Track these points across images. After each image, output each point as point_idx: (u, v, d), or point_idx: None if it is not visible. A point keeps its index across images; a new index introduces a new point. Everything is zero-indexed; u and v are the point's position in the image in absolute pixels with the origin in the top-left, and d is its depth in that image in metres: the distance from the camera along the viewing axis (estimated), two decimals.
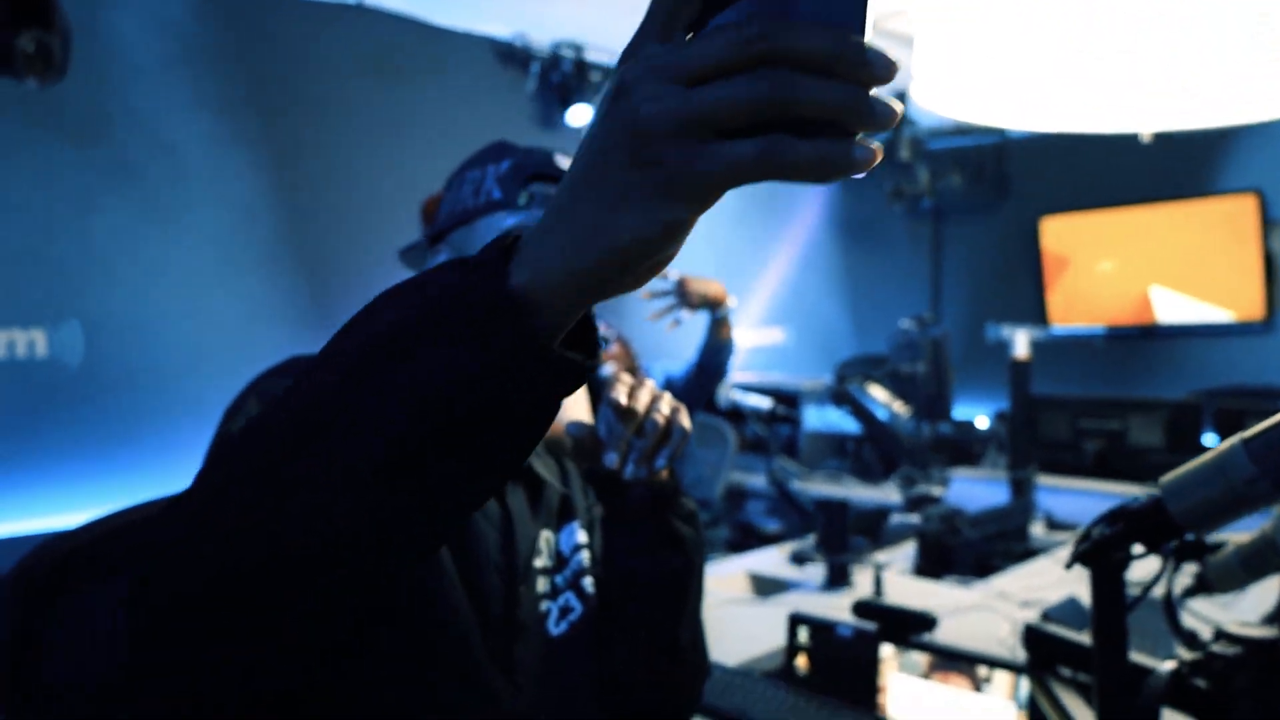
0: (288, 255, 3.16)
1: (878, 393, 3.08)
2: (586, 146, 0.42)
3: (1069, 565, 0.87)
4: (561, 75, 3.80)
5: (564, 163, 0.94)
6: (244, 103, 3.07)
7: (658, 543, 0.89)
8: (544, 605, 0.89)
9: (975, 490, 2.81)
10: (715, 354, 2.40)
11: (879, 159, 0.38)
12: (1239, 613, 1.68)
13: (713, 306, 2.35)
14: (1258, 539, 1.26)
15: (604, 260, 0.41)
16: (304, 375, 0.47)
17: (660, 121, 0.38)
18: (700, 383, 2.43)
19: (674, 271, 2.36)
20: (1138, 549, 0.86)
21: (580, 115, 3.85)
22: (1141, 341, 4.48)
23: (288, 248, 3.16)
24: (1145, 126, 2.66)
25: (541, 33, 3.77)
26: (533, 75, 3.80)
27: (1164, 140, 3.99)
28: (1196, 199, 4.22)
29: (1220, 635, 1.03)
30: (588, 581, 0.93)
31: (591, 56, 3.88)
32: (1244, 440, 0.76)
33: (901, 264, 5.39)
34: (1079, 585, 1.36)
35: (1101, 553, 0.85)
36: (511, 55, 3.78)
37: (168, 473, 2.87)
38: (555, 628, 0.89)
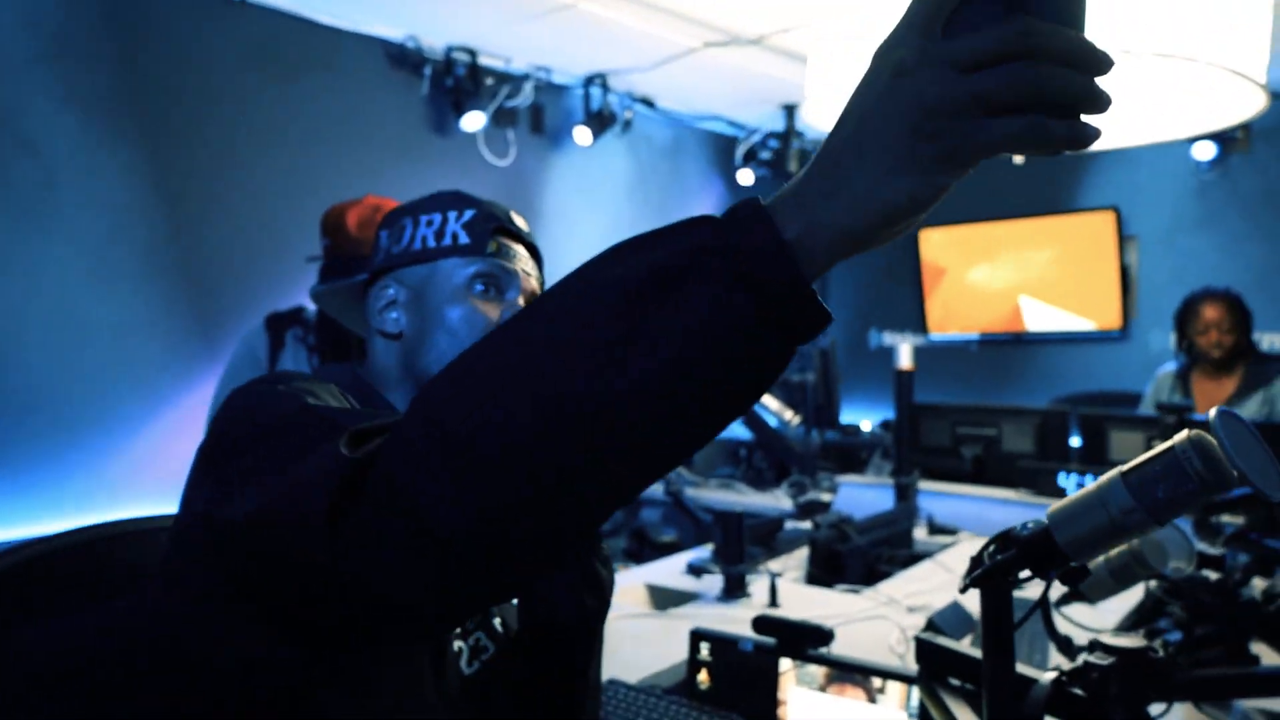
0: (167, 262, 3.02)
1: (768, 401, 3.15)
2: (861, 121, 0.49)
3: (963, 589, 0.92)
4: (455, 80, 3.74)
5: (521, 222, 1.02)
6: (119, 101, 2.92)
7: (579, 585, 0.90)
8: (455, 644, 0.88)
9: (862, 496, 2.91)
10: None
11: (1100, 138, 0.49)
12: (1101, 615, 1.79)
13: None
14: (1125, 552, 1.35)
15: (878, 219, 0.49)
16: (563, 300, 0.52)
17: (946, 101, 0.47)
18: None
19: None
20: (1025, 572, 0.91)
21: (474, 122, 3.80)
22: (1012, 348, 4.72)
23: (166, 254, 3.02)
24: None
25: (434, 36, 3.71)
26: (425, 79, 3.74)
27: (1033, 160, 4.22)
28: (1061, 215, 4.48)
29: (1095, 646, 1.10)
30: (498, 621, 0.94)
31: (485, 62, 3.85)
32: (1122, 474, 0.81)
33: None
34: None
35: (993, 578, 0.90)
36: (403, 58, 3.71)
37: (38, 489, 2.71)
38: (468, 667, 0.88)
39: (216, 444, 0.70)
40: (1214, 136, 3.98)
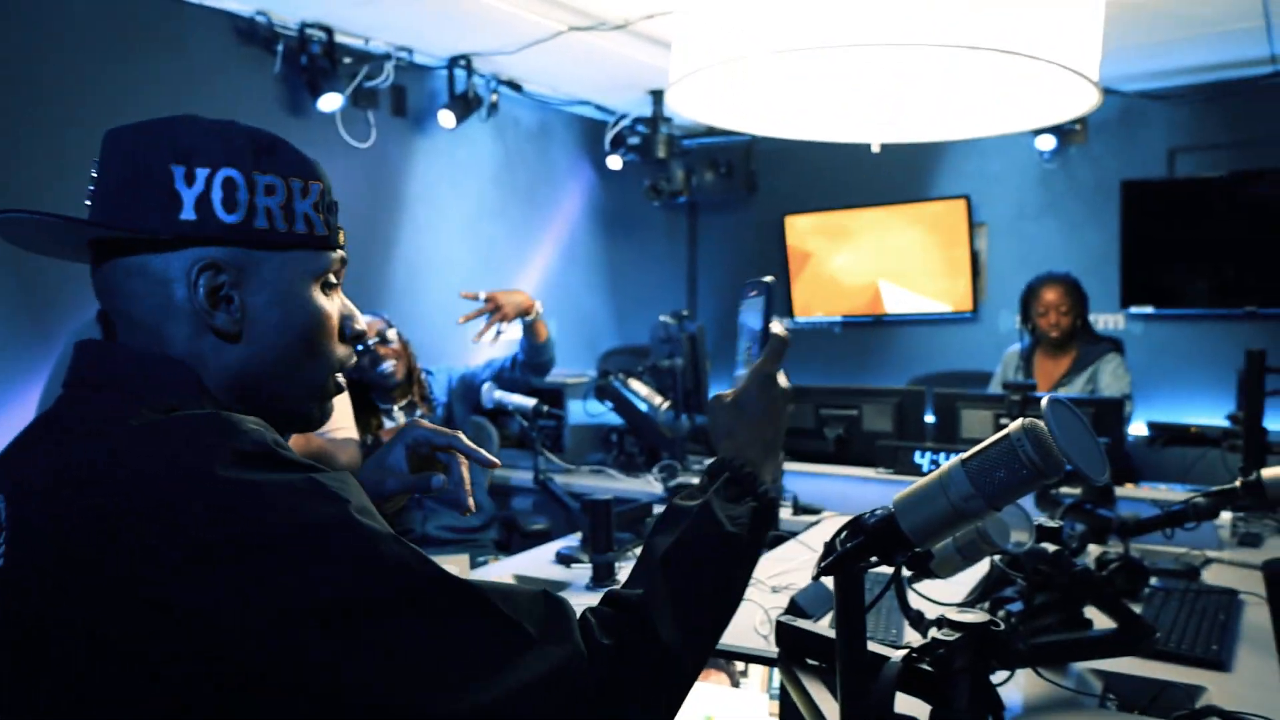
0: None
1: (638, 387, 3.16)
2: (768, 418, 0.98)
3: (815, 576, 0.93)
4: (310, 58, 3.58)
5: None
6: None
7: None
8: None
9: None
10: (538, 353, 2.90)
11: None
12: (953, 587, 1.86)
13: (524, 314, 2.82)
14: (970, 531, 1.41)
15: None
16: (702, 564, 0.90)
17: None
18: (526, 375, 2.93)
19: (483, 291, 2.80)
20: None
21: (331, 102, 3.65)
22: (873, 330, 4.89)
23: None
24: (874, 138, 2.89)
25: (286, 11, 3.53)
26: (278, 56, 3.56)
27: (891, 150, 4.37)
28: (917, 203, 4.65)
29: (943, 622, 1.14)
30: None
31: (342, 40, 3.70)
32: (962, 461, 0.84)
33: (661, 257, 5.56)
34: None
35: (844, 565, 0.92)
36: (253, 34, 3.52)
37: None
38: None
39: (351, 608, 0.68)
40: (1054, 129, 4.21)
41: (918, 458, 2.77)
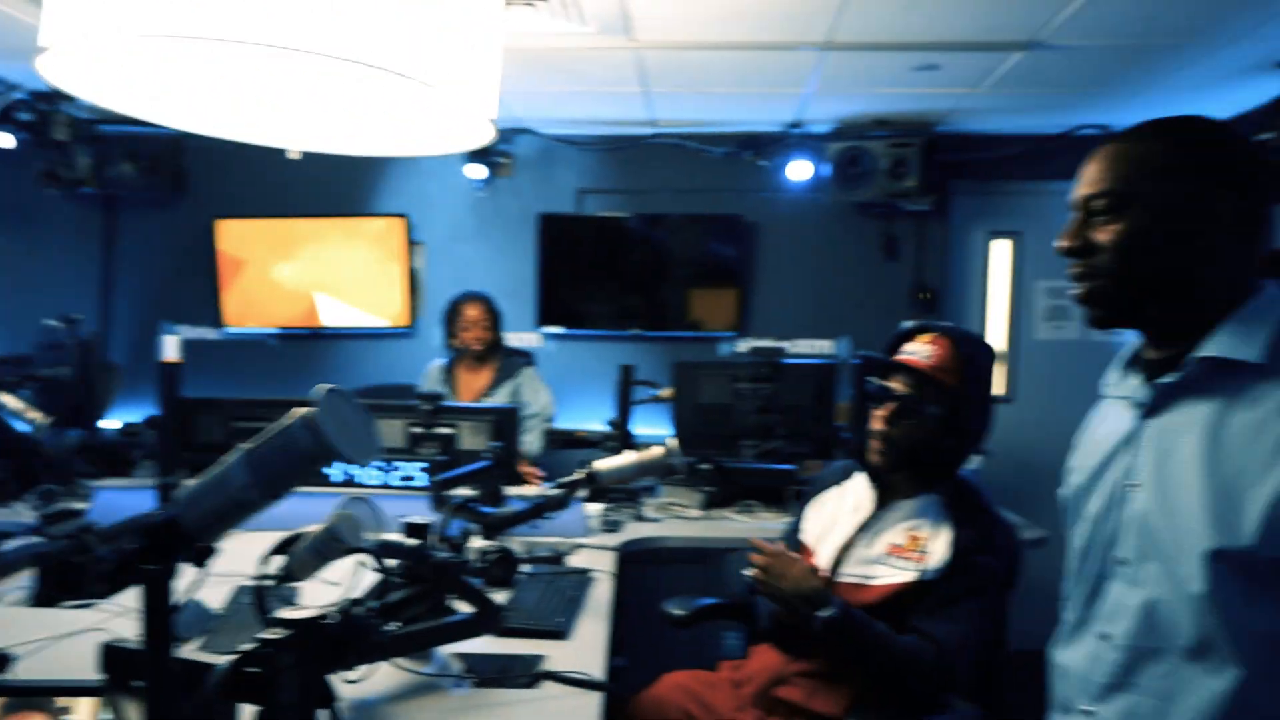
0: None
1: (7, 400, 2.71)
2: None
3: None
4: None
5: None
6: None
7: None
8: None
9: (124, 500, 2.67)
10: None
11: None
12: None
13: None
14: (323, 530, 1.43)
15: None
16: None
17: None
18: None
19: None
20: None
21: None
22: (311, 343, 4.79)
23: None
24: (293, 145, 2.82)
25: None
26: None
27: (332, 163, 4.32)
28: (359, 217, 4.68)
29: (271, 621, 1.14)
30: None
31: None
32: (245, 452, 0.84)
33: (67, 256, 4.85)
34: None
35: (130, 571, 0.87)
36: None
37: None
38: None
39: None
40: (485, 161, 4.54)
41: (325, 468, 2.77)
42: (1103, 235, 1.10)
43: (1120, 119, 4.15)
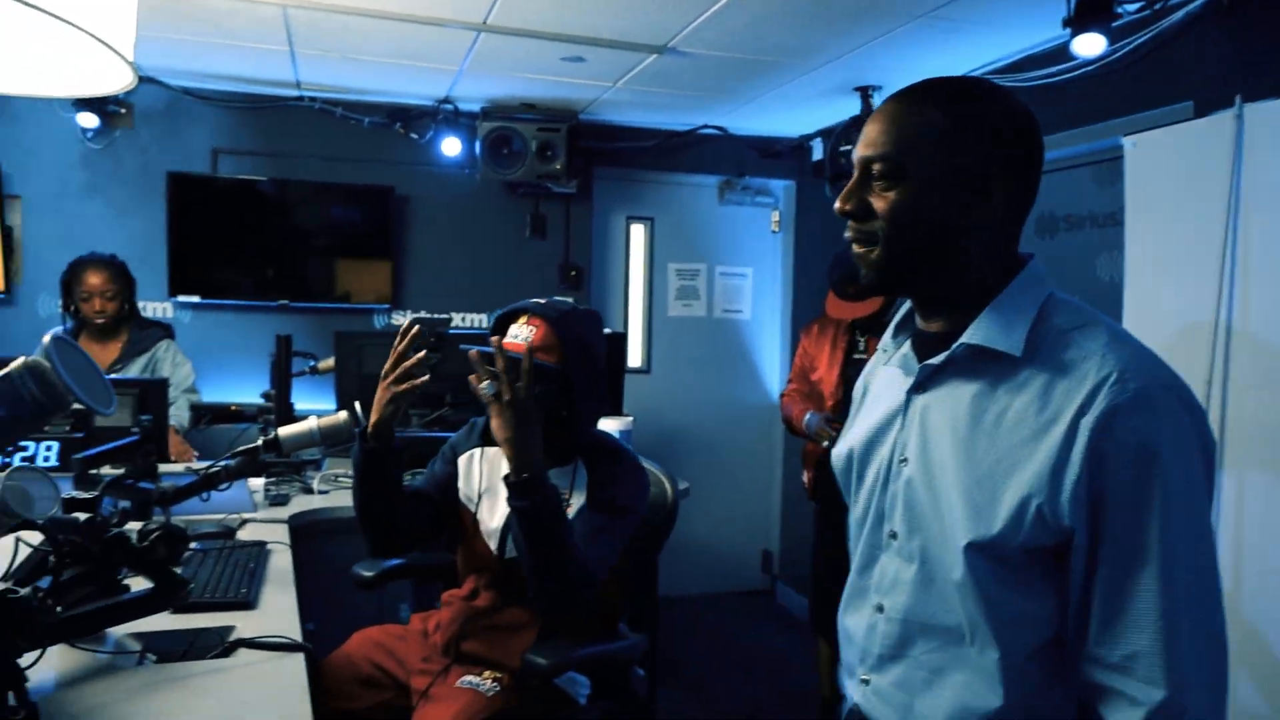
0: None
1: None
2: None
3: None
4: None
5: None
6: None
7: None
8: None
9: None
10: None
11: None
12: None
13: None
14: None
15: None
16: None
17: None
18: None
19: None
20: None
21: None
22: None
23: None
24: None
25: None
26: None
27: None
28: None
29: None
30: None
31: None
32: None
33: None
34: None
35: None
36: None
37: None
38: None
39: None
40: (97, 110, 4.04)
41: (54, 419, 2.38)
42: (879, 202, 1.06)
43: (734, 123, 4.71)
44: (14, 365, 0.77)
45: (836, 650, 1.36)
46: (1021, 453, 0.99)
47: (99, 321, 3.41)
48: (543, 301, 1.97)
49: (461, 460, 2.11)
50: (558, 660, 1.77)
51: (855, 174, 1.09)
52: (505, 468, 1.77)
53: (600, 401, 2.02)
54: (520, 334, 1.91)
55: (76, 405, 0.78)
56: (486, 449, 2.07)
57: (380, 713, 1.92)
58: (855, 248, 1.10)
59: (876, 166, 1.06)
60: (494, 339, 1.78)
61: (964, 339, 1.06)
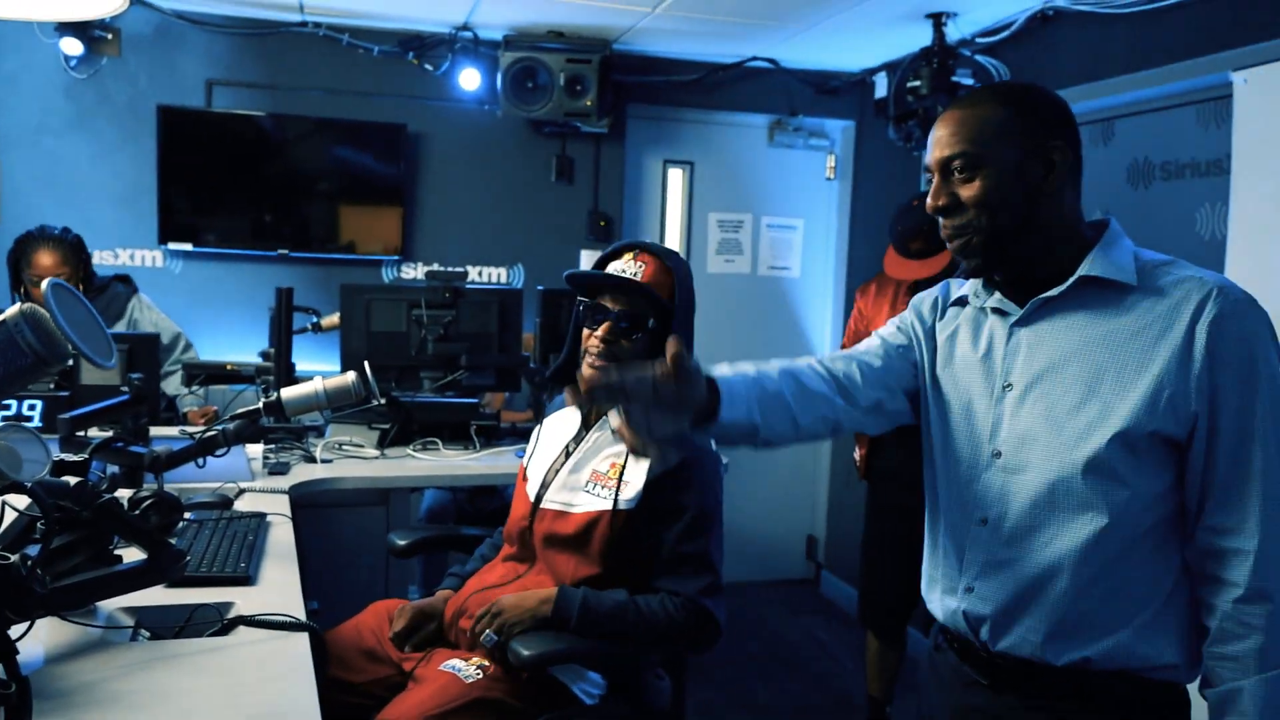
0: None
1: None
2: None
3: None
4: None
5: None
6: None
7: None
8: None
9: None
10: None
11: None
12: None
13: None
14: None
15: None
16: None
17: None
18: None
19: None
20: None
21: None
22: None
23: None
24: None
25: None
26: None
27: None
28: None
29: None
30: None
31: None
32: None
33: None
34: None
35: None
36: None
37: None
38: None
39: None
40: (80, 35, 4.07)
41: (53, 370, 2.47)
42: (965, 192, 1.36)
43: (787, 54, 4.66)
44: (9, 312, 0.79)
45: (886, 645, 1.53)
46: (1148, 355, 1.31)
47: None
48: (647, 239, 2.06)
49: (539, 429, 2.27)
50: (543, 651, 1.81)
51: (936, 176, 1.40)
52: (564, 428, 2.11)
53: (691, 348, 2.07)
54: (628, 269, 1.99)
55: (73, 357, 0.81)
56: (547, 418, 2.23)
57: (378, 687, 1.98)
58: (952, 244, 1.40)
59: (957, 163, 1.37)
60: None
61: (1081, 271, 1.36)
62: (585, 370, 1.99)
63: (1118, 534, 1.32)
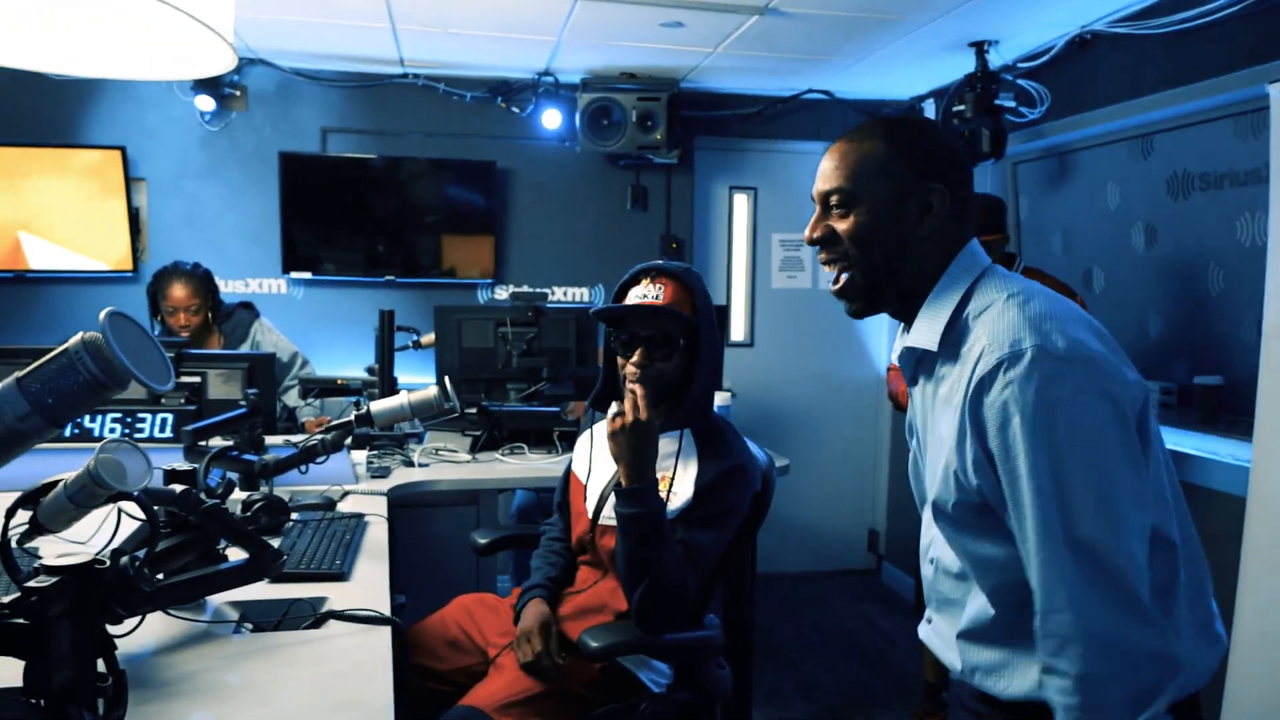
0: None
1: None
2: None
3: None
4: None
5: None
6: None
7: None
8: None
9: None
10: None
11: None
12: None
13: None
14: (83, 475, 1.31)
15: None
16: None
17: None
18: None
19: None
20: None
21: None
22: (16, 288, 4.24)
23: None
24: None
25: None
26: None
27: (32, 83, 3.82)
28: (68, 148, 4.16)
29: (39, 570, 1.05)
30: None
31: None
32: (18, 380, 0.77)
33: None
34: None
35: None
36: None
37: None
38: None
39: None
40: (212, 92, 4.18)
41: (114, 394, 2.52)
42: (840, 225, 1.27)
43: (841, 85, 4.53)
44: (72, 341, 0.76)
45: None
46: (942, 430, 1.22)
47: (185, 336, 3.41)
48: (659, 262, 1.98)
49: (579, 443, 2.16)
50: (611, 642, 1.74)
51: (817, 208, 1.30)
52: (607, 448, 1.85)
53: (718, 366, 2.01)
54: (648, 293, 1.91)
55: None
56: (595, 427, 2.10)
57: (461, 675, 1.94)
58: (834, 286, 1.32)
59: (834, 198, 1.27)
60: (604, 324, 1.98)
61: (906, 342, 1.30)
62: (627, 393, 1.85)
63: (996, 597, 1.23)
